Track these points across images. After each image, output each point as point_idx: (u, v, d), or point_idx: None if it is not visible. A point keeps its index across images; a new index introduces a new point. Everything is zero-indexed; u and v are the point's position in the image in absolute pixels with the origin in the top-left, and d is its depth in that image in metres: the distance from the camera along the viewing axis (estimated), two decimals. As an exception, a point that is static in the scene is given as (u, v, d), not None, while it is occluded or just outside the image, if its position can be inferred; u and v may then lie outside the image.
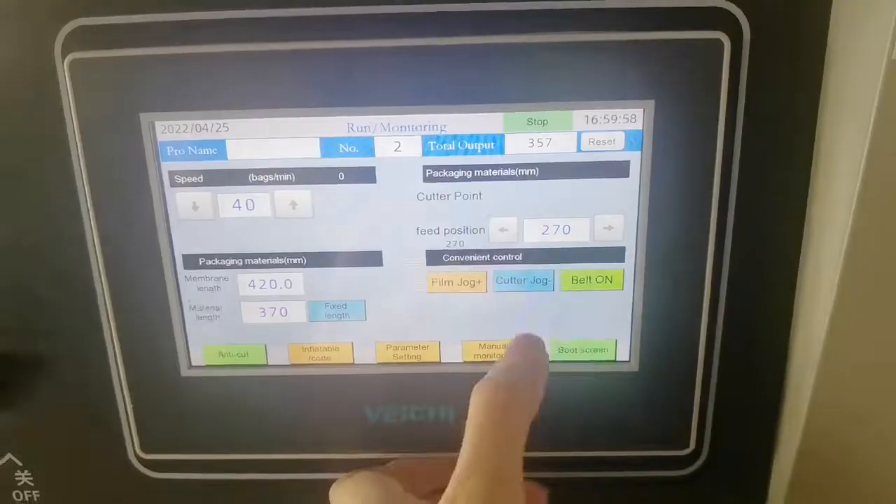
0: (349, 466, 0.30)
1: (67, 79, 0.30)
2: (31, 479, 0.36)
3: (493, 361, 0.33)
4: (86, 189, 0.31)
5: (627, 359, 0.33)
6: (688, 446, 0.34)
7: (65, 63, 0.30)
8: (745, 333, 0.33)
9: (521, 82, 0.29)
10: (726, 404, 0.34)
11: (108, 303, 0.33)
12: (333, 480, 0.30)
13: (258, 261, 0.32)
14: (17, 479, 0.36)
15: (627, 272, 0.32)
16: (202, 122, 0.30)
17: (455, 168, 0.30)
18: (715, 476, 0.35)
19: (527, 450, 0.24)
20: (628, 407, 0.33)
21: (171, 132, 0.30)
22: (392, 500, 0.27)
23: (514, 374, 0.27)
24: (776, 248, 0.31)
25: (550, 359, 0.30)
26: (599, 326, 0.33)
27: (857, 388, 0.30)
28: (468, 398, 0.33)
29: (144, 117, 0.30)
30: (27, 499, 0.37)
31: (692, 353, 0.32)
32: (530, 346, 0.29)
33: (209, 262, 0.32)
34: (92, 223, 0.32)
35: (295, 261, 0.32)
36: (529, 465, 0.25)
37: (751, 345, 0.33)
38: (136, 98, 0.30)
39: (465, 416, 0.33)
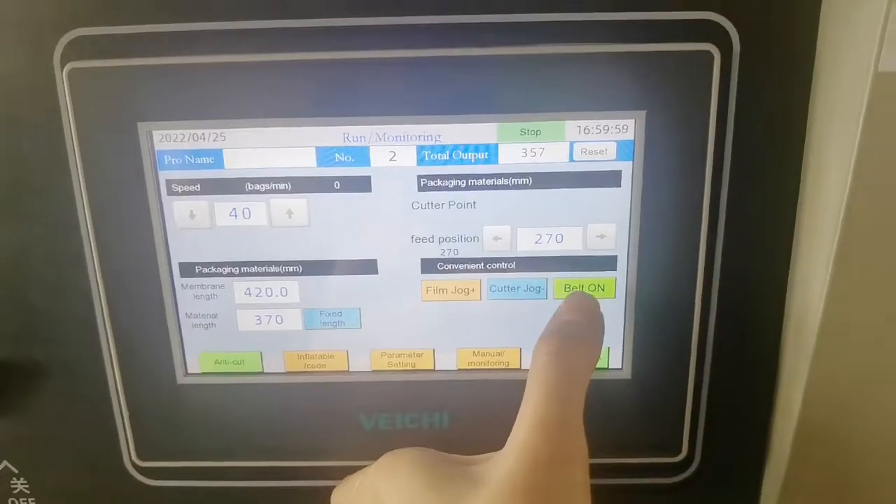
0: (344, 474, 0.30)
1: (66, 88, 0.30)
2: (27, 486, 0.37)
3: (486, 369, 0.34)
4: (84, 197, 0.31)
5: (620, 366, 0.33)
6: (680, 453, 0.34)
7: (64, 72, 0.30)
8: (736, 340, 0.33)
9: (515, 93, 0.30)
10: (718, 411, 0.34)
11: (105, 310, 0.33)
12: (328, 488, 0.30)
13: (254, 269, 0.32)
14: (13, 486, 0.36)
15: (619, 280, 0.32)
16: (199, 132, 0.31)
17: (449, 177, 0.31)
18: (707, 482, 0.35)
19: None
20: (621, 414, 0.34)
21: (168, 141, 0.31)
22: (442, 459, 0.26)
23: (575, 330, 0.27)
24: (766, 255, 0.32)
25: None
26: (592, 334, 0.33)
27: (848, 392, 0.30)
28: (462, 405, 0.34)
29: (142, 126, 0.30)
30: (23, 506, 0.37)
31: (684, 361, 0.33)
32: (587, 303, 0.29)
33: (206, 270, 0.32)
34: (90, 231, 0.32)
35: (291, 269, 0.32)
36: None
37: (742, 351, 0.33)
38: (134, 107, 0.30)
39: (458, 423, 0.34)
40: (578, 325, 0.27)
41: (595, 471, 0.34)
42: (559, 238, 0.32)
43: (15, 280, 0.33)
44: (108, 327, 0.33)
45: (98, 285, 0.32)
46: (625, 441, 0.34)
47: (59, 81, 0.30)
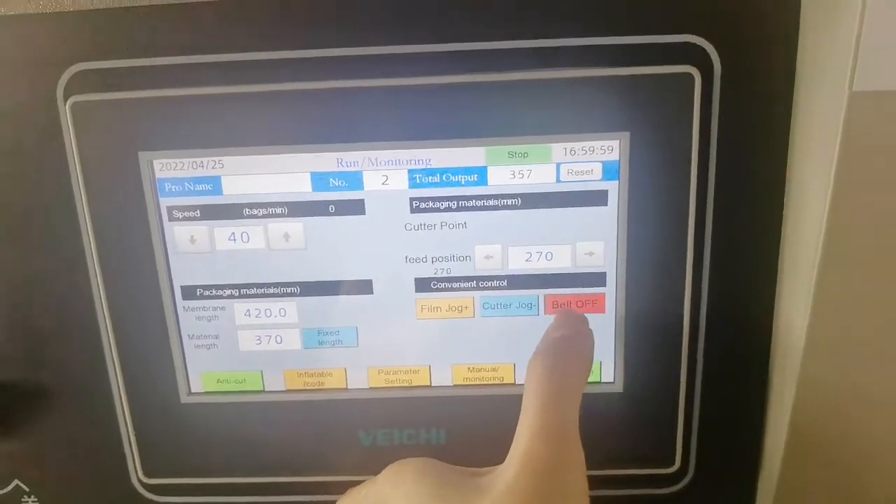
0: (343, 488, 0.31)
1: (69, 120, 0.31)
2: (37, 504, 0.38)
3: (481, 384, 0.34)
4: (88, 224, 0.32)
5: (612, 380, 0.34)
6: (673, 464, 0.35)
7: (67, 105, 0.31)
8: (725, 350, 0.34)
9: (502, 117, 0.30)
10: (710, 422, 0.34)
11: (110, 333, 0.34)
12: (328, 502, 0.31)
13: (253, 291, 0.33)
14: (23, 504, 0.38)
15: (609, 296, 0.33)
16: (198, 160, 0.32)
17: (440, 199, 0.32)
18: (701, 493, 0.35)
19: None
20: (614, 426, 0.34)
21: (168, 169, 0.32)
22: (447, 469, 0.27)
23: (567, 346, 0.28)
24: (752, 268, 0.32)
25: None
26: (584, 349, 0.33)
27: (838, 400, 0.31)
28: (459, 420, 0.35)
29: (143, 156, 0.31)
30: (34, 523, 0.38)
31: (675, 373, 0.33)
32: (575, 319, 0.30)
33: (207, 292, 0.33)
34: (94, 257, 0.33)
35: (289, 290, 0.33)
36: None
37: (732, 361, 0.34)
38: (135, 138, 0.31)
39: (455, 438, 0.35)
40: (569, 341, 0.28)
41: (589, 483, 0.35)
42: (549, 256, 0.32)
43: (22, 305, 0.34)
44: (113, 349, 0.34)
45: (103, 308, 0.33)
46: (618, 453, 0.34)
47: (63, 114, 0.31)
